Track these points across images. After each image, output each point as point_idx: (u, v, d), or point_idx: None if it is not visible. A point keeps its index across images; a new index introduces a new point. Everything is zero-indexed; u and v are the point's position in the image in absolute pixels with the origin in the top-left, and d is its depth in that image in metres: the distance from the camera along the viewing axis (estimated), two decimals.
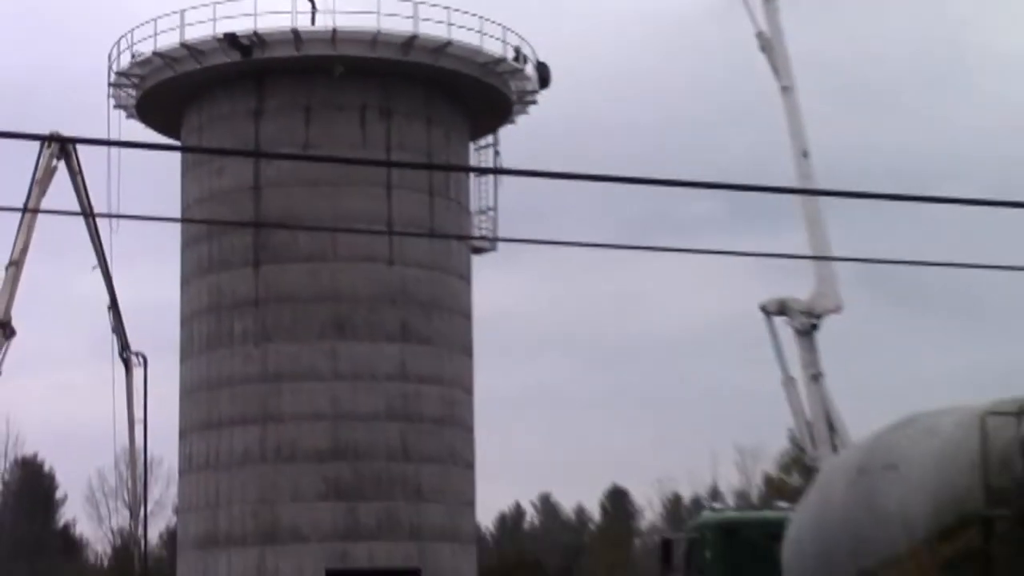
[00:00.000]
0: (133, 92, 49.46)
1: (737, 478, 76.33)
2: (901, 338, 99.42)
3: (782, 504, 24.91)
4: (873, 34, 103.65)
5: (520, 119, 52.46)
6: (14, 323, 44.05)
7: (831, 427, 44.32)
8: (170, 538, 59.79)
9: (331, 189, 45.94)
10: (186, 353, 49.65)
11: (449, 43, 47.58)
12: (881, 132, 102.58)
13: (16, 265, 44.00)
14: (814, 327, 44.56)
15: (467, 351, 50.50)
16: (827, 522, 18.20)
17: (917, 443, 16.49)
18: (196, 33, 47.36)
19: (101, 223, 45.06)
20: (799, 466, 56.30)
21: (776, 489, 63.66)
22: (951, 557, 15.48)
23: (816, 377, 44.57)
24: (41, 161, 43.46)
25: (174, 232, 51.05)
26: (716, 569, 21.28)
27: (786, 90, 44.09)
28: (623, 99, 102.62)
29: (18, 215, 42.57)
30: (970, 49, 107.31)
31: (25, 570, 71.08)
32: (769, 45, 44.26)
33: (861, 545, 16.93)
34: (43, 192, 43.44)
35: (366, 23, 46.94)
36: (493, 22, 49.06)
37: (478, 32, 48.46)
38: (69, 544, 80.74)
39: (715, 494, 76.07)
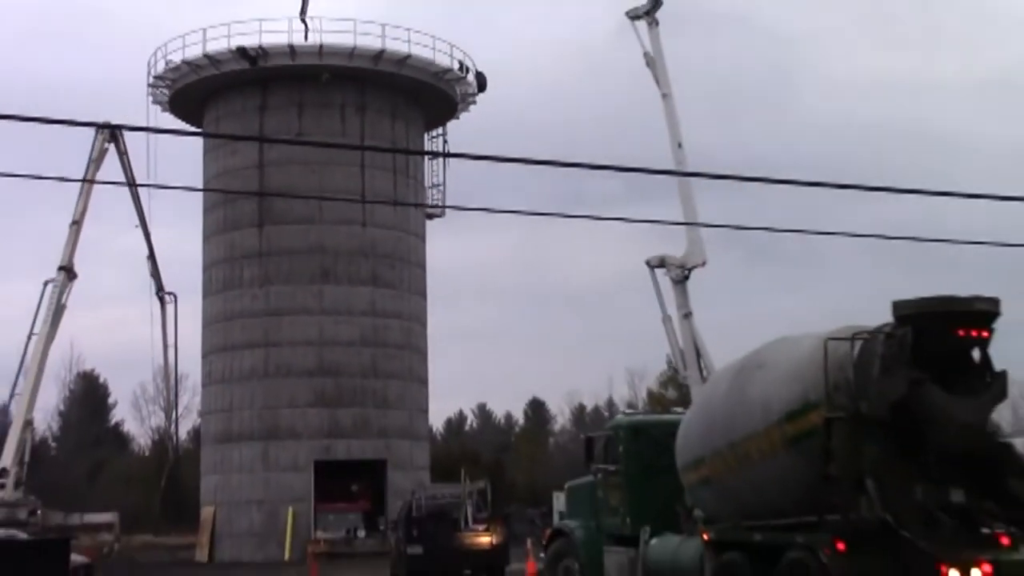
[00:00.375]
0: (166, 91, 49.60)
1: (627, 392, 77.04)
2: (753, 286, 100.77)
3: (678, 410, 24.87)
4: (728, 53, 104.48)
5: (463, 116, 52.74)
6: (76, 268, 44.74)
7: (698, 353, 45.32)
8: (195, 435, 60.29)
9: (318, 167, 46.27)
10: (207, 293, 50.07)
11: (409, 56, 47.89)
12: (736, 129, 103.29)
13: (77, 224, 44.47)
14: (686, 277, 45.36)
15: (422, 294, 51.04)
16: (710, 409, 18.04)
17: (780, 353, 16.26)
18: (215, 46, 47.71)
19: (141, 192, 45.82)
20: (674, 383, 57.19)
21: (656, 401, 64.13)
22: (794, 434, 15.32)
23: (687, 315, 45.48)
24: (96, 143, 44.00)
25: (197, 200, 51.38)
26: (626, 459, 20.13)
27: (665, 96, 44.72)
28: (543, 102, 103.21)
29: (77, 186, 43.45)
30: (798, 70, 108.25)
31: (84, 460, 71.46)
32: (652, 61, 44.88)
33: (732, 424, 16.66)
34: (97, 168, 43.93)
35: (346, 40, 47.19)
36: (443, 40, 49.56)
37: (431, 48, 48.82)
38: (119, 439, 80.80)
39: (610, 404, 76.56)
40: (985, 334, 14.69)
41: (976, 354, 14.87)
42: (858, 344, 15.08)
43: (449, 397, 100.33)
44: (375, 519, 46.03)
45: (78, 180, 41.74)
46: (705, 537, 17.19)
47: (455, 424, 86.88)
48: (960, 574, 13.91)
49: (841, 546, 14.29)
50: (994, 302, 14.69)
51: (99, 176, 43.28)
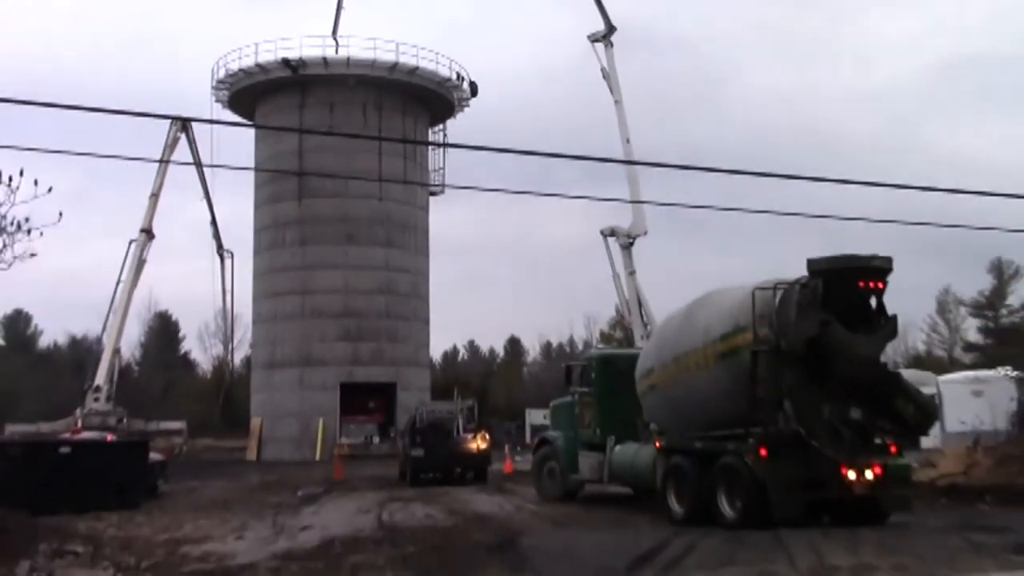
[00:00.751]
0: (226, 92, 49.47)
1: (584, 333, 77.53)
2: (685, 252, 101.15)
3: (639, 346, 24.79)
4: (669, 68, 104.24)
5: (459, 115, 52.62)
6: (154, 231, 44.93)
7: (640, 303, 45.92)
8: (247, 362, 60.55)
9: (345, 153, 45.99)
10: (256, 251, 50.09)
11: (418, 68, 48.03)
12: (675, 128, 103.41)
13: (155, 196, 44.57)
14: (631, 244, 45.81)
15: (425, 253, 51.12)
16: (663, 335, 18.14)
17: (720, 296, 16.26)
18: (265, 57, 47.76)
19: (205, 171, 45.83)
20: (621, 326, 57.63)
21: (606, 340, 64.53)
22: (724, 351, 15.47)
23: (632, 274, 45.95)
24: (171, 133, 44.08)
25: (250, 178, 51.27)
26: (597, 383, 20.30)
27: (617, 103, 45.05)
28: (522, 106, 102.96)
29: (155, 166, 43.49)
30: (726, 81, 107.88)
31: (160, 380, 71.72)
32: (607, 75, 45.25)
33: (678, 343, 16.78)
34: (171, 152, 43.96)
35: (368, 54, 47.25)
36: (445, 56, 49.62)
37: (435, 62, 48.92)
38: (187, 364, 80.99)
39: (571, 342, 77.13)
40: (881, 285, 14.83)
41: (873, 301, 15.00)
42: (779, 292, 15.17)
43: (446, 334, 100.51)
44: (387, 429, 46.48)
45: (156, 160, 41.80)
46: (658, 445, 17.35)
47: (450, 356, 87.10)
48: (857, 475, 14.28)
49: (763, 452, 14.53)
50: (888, 260, 14.76)
51: (174, 159, 43.44)
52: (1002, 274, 71.34)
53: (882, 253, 14.87)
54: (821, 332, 14.41)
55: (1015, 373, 26.74)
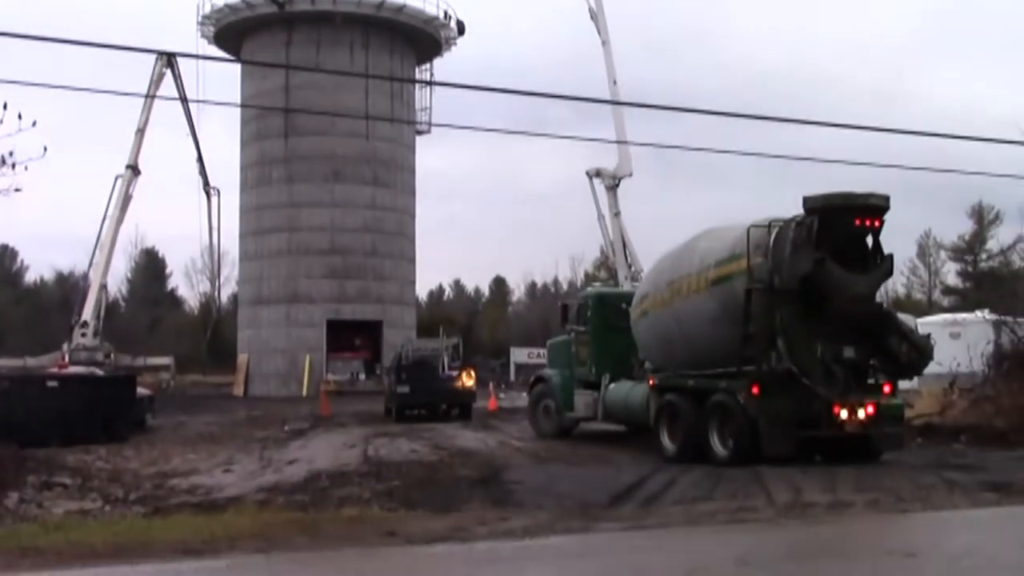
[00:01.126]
0: (212, 28, 48.60)
1: (569, 273, 77.68)
2: (672, 193, 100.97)
3: (635, 284, 24.61)
4: (659, 9, 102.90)
5: (446, 54, 52.01)
6: (140, 166, 44.51)
7: (624, 244, 45.87)
8: (234, 298, 60.38)
9: (331, 91, 45.24)
10: (243, 188, 49.74)
11: (404, 5, 47.36)
12: (664, 69, 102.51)
13: (141, 132, 44.19)
14: (616, 185, 45.70)
15: (412, 192, 50.85)
16: (660, 266, 17.95)
17: (722, 230, 16.02)
18: None
19: (191, 107, 45.34)
20: (605, 267, 57.76)
21: (591, 280, 64.73)
22: (717, 276, 15.38)
23: (617, 215, 45.82)
24: (156, 68, 43.50)
25: (236, 115, 50.79)
26: (593, 322, 20.13)
27: (605, 43, 44.49)
28: (509, 46, 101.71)
29: (141, 102, 42.97)
30: (717, 25, 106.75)
31: (147, 315, 71.63)
32: (595, 16, 44.71)
33: (674, 270, 16.70)
34: (157, 87, 43.42)
35: None
36: None
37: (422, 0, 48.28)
38: (174, 300, 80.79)
39: (556, 282, 77.37)
40: (877, 223, 14.54)
41: (869, 240, 14.73)
42: (775, 229, 14.89)
43: (431, 273, 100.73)
44: (373, 365, 46.76)
45: (142, 96, 41.33)
46: (651, 383, 17.26)
47: (436, 294, 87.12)
48: (849, 413, 14.14)
49: (756, 390, 14.36)
50: (885, 198, 14.51)
51: (160, 94, 42.84)
52: (982, 219, 71.63)
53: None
54: (815, 270, 14.19)
55: (992, 316, 26.92)
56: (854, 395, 14.22)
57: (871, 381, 14.91)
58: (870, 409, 14.27)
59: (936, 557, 8.49)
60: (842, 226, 14.39)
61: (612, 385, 19.25)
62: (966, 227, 72.45)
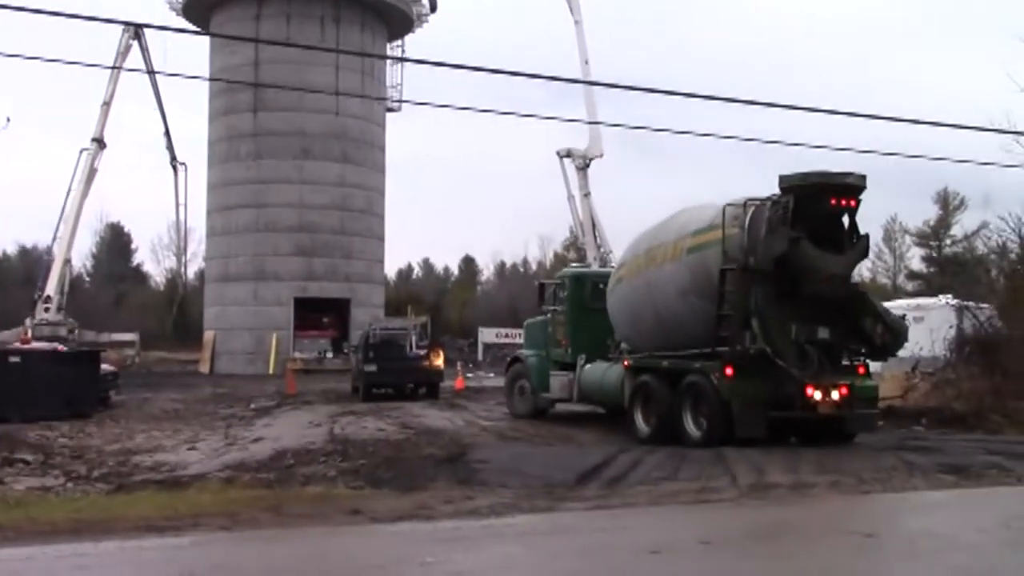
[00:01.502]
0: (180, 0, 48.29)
1: (539, 253, 77.93)
2: (640, 175, 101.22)
3: (612, 265, 24.53)
4: None
5: (418, 31, 51.70)
6: (106, 140, 43.93)
7: (593, 224, 46.08)
8: (200, 275, 59.92)
9: (301, 66, 44.52)
10: (210, 164, 49.09)
11: None
12: (637, 50, 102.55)
13: (107, 104, 43.62)
14: (587, 165, 45.80)
15: (381, 170, 50.45)
16: (640, 235, 17.72)
17: (702, 207, 15.96)
18: None
19: (158, 80, 44.88)
20: (575, 247, 57.96)
21: (560, 261, 65.00)
22: (693, 245, 15.29)
23: (587, 195, 45.99)
24: (123, 39, 42.96)
25: (204, 89, 50.21)
26: (569, 302, 19.98)
27: (577, 23, 44.57)
28: (480, 24, 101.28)
29: (108, 75, 42.39)
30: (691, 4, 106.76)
31: (112, 291, 70.96)
32: None
33: (652, 239, 16.65)
34: (124, 59, 42.91)
35: None
36: None
37: None
38: (139, 276, 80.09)
39: (525, 262, 77.63)
40: (853, 203, 14.40)
41: (846, 220, 14.61)
42: (751, 209, 14.73)
43: (400, 252, 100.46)
44: (340, 344, 46.45)
45: (109, 67, 40.80)
46: (626, 364, 17.18)
47: (404, 273, 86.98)
48: (823, 395, 14.07)
49: (729, 371, 14.28)
50: (862, 177, 14.32)
51: (126, 67, 42.34)
52: (947, 205, 72.42)
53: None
54: (791, 250, 14.07)
55: (955, 301, 27.25)
56: (828, 376, 14.17)
57: (846, 363, 14.90)
58: (843, 391, 14.23)
59: (895, 537, 8.62)
60: (818, 206, 14.23)
61: (587, 366, 19.11)
62: (932, 213, 73.25)
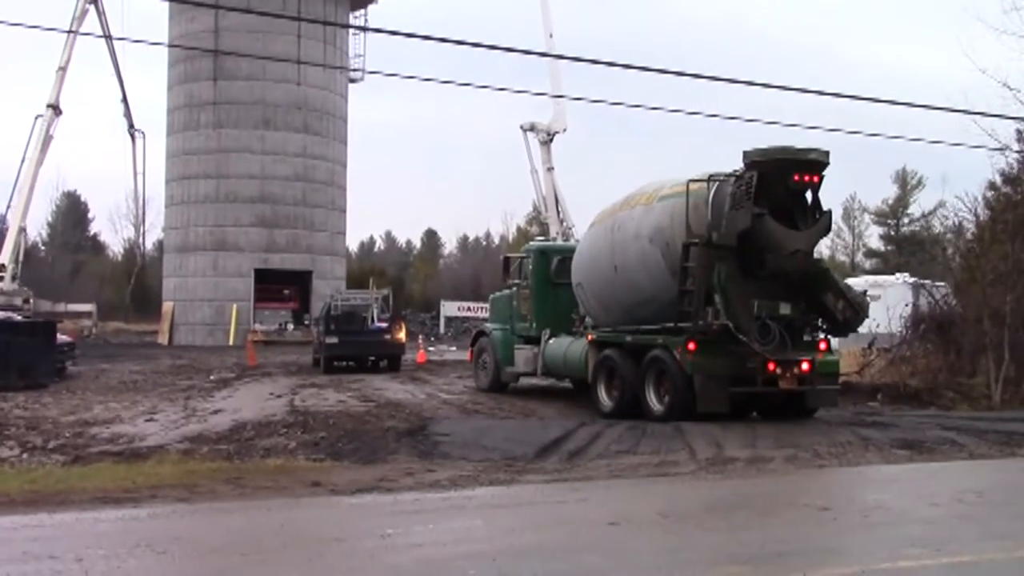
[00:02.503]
0: None
1: (501, 227, 78.09)
2: (606, 149, 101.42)
3: (576, 240, 24.35)
4: None
5: (381, 1, 51.14)
6: (61, 106, 43.20)
7: (556, 199, 46.21)
8: (159, 245, 59.27)
9: (263, 35, 44.22)
10: (169, 132, 48.31)
11: None
12: (601, 24, 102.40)
13: (63, 70, 42.81)
14: (550, 140, 45.86)
15: (344, 142, 50.00)
16: (604, 210, 17.50)
17: (669, 180, 15.69)
18: None
19: (116, 46, 44.16)
20: (537, 222, 57.96)
21: (523, 235, 65.10)
22: (662, 195, 15.20)
23: (550, 170, 46.08)
24: (79, 3, 42.24)
25: (163, 56, 49.61)
26: (534, 276, 19.79)
27: None
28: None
29: (63, 39, 41.64)
30: None
31: (68, 261, 70.05)
32: None
33: (618, 201, 16.64)
34: (80, 23, 42.16)
35: None
36: None
37: None
38: (96, 246, 79.16)
39: (488, 236, 77.80)
40: (816, 179, 14.34)
41: (809, 195, 14.55)
42: (714, 185, 14.62)
43: (363, 224, 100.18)
44: (301, 316, 46.45)
45: (65, 31, 39.98)
46: (590, 338, 17.13)
47: (366, 246, 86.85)
48: (784, 371, 14.13)
49: (692, 346, 14.24)
50: (825, 153, 14.25)
51: (82, 31, 41.58)
52: (906, 184, 73.30)
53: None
54: (754, 225, 13.97)
55: (912, 279, 27.64)
56: (789, 352, 14.19)
57: (808, 338, 14.97)
58: (805, 366, 14.29)
59: (849, 511, 8.77)
60: (781, 181, 14.17)
61: (552, 340, 19.06)
62: (890, 192, 74.12)
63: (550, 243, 23.30)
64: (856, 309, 14.94)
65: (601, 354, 16.55)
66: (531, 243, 23.56)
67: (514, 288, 20.81)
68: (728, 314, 13.97)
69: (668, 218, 15.07)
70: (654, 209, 15.52)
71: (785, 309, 14.38)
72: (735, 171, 14.53)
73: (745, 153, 14.34)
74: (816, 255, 15.92)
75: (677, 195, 15.04)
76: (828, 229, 15.03)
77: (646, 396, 15.22)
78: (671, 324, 14.86)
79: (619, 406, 15.76)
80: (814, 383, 14.51)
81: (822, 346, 15.00)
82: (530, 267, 20.19)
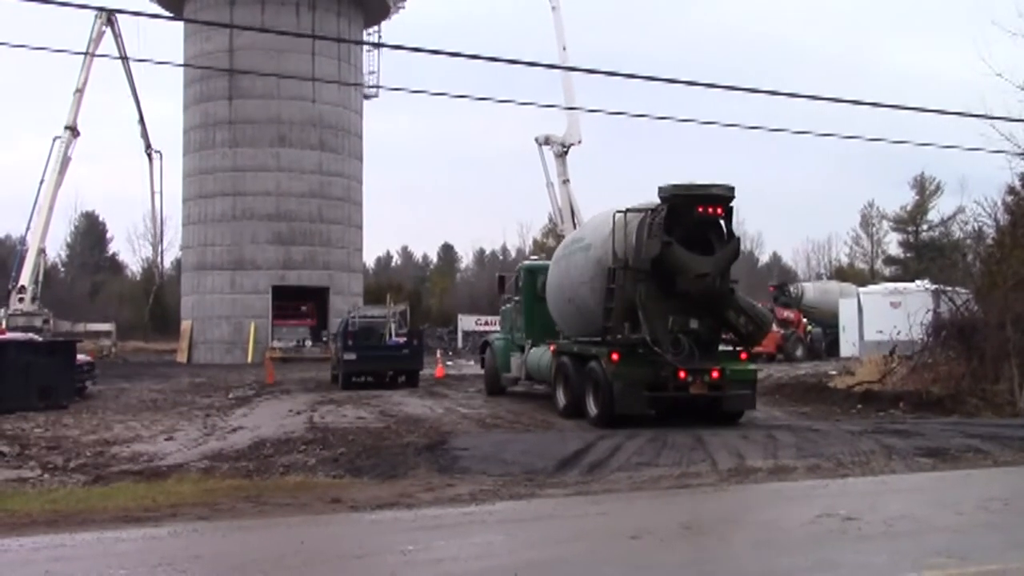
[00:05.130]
0: None
1: (517, 241, 78.02)
2: (622, 161, 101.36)
3: None
4: None
5: (395, 17, 51.48)
6: (79, 128, 43.55)
7: (572, 211, 46.14)
8: (177, 264, 59.53)
9: (278, 53, 44.48)
10: (186, 151, 48.68)
11: None
12: (629, 38, 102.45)
13: (80, 92, 43.22)
14: (565, 152, 45.91)
15: (359, 158, 50.20)
16: (569, 240, 20.57)
17: (607, 213, 17.42)
18: None
19: (132, 67, 44.54)
20: (553, 234, 57.93)
21: (539, 247, 64.97)
22: (594, 244, 17.50)
23: (565, 182, 46.10)
24: (96, 25, 42.60)
25: (179, 76, 50.03)
26: (524, 292, 22.25)
27: (555, 9, 44.55)
28: (458, 10, 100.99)
29: (80, 59, 41.99)
30: None
31: (87, 281, 70.47)
32: None
33: (576, 235, 19.90)
34: (96, 45, 42.56)
35: None
36: None
37: None
38: (115, 266, 79.59)
39: (504, 250, 77.66)
40: (720, 211, 15.96)
41: (724, 223, 16.14)
42: (636, 216, 16.47)
43: (379, 240, 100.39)
44: (319, 332, 46.52)
45: (82, 53, 40.43)
46: (552, 347, 19.46)
47: (383, 261, 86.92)
48: (694, 378, 15.79)
49: (615, 357, 16.06)
50: (728, 188, 15.93)
51: (100, 53, 41.97)
52: (924, 190, 72.96)
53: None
54: (663, 252, 15.71)
55: (932, 286, 27.46)
56: (697, 362, 15.87)
57: (728, 349, 16.76)
58: (714, 374, 15.95)
59: (873, 520, 8.68)
60: (687, 213, 15.87)
61: (533, 349, 21.35)
62: (908, 198, 73.77)
63: (538, 262, 24.74)
64: (757, 324, 16.66)
65: (558, 361, 18.81)
66: (523, 262, 25.51)
67: (509, 303, 23.67)
68: (648, 329, 15.83)
69: (602, 245, 17.16)
70: (597, 237, 17.60)
71: (694, 324, 16.25)
72: (653, 203, 16.36)
73: (659, 188, 16.20)
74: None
75: (612, 225, 17.05)
76: (736, 254, 16.56)
77: (586, 399, 17.03)
78: (600, 338, 16.89)
79: (569, 405, 17.99)
80: (724, 389, 16.12)
81: (743, 356, 16.69)
82: (520, 284, 22.63)
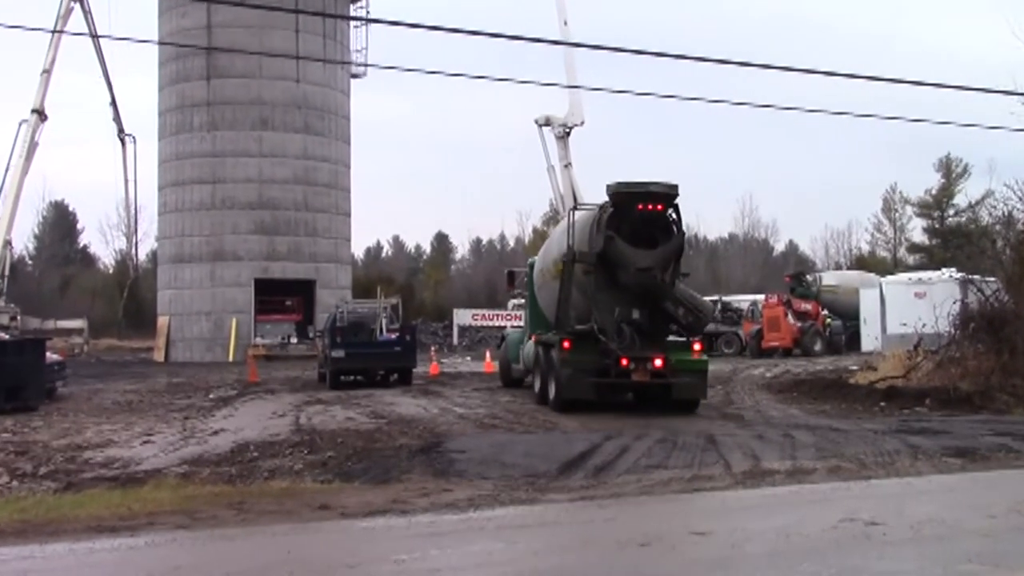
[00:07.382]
0: None
1: (516, 229, 78.06)
2: (627, 141, 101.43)
3: None
4: None
5: None
6: (47, 111, 43.51)
7: (575, 197, 45.98)
8: (153, 256, 59.51)
9: (259, 29, 44.51)
10: (161, 136, 48.77)
11: None
12: (651, 13, 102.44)
13: (47, 72, 43.28)
14: (567, 134, 45.88)
15: (347, 141, 50.29)
16: (547, 242, 23.28)
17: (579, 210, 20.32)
18: None
19: (103, 46, 44.48)
20: (555, 222, 57.96)
21: (540, 237, 64.94)
22: (558, 242, 20.01)
23: (567, 166, 46.12)
24: (64, 1, 42.61)
25: (153, 55, 49.98)
26: (528, 287, 23.92)
27: None
28: None
29: (47, 38, 41.93)
30: None
31: (57, 275, 70.43)
32: None
33: (552, 235, 21.93)
34: (65, 23, 42.56)
35: None
36: None
37: None
38: (86, 258, 79.60)
39: (502, 238, 77.72)
40: (660, 208, 17.96)
41: (672, 216, 18.09)
42: (586, 213, 18.69)
43: (369, 229, 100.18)
44: (305, 328, 46.54)
45: (49, 31, 40.37)
46: (531, 337, 22.03)
47: (373, 252, 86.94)
48: (636, 365, 17.77)
49: (566, 344, 18.21)
50: (669, 186, 17.94)
51: (67, 30, 41.92)
52: (950, 172, 72.86)
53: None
54: (607, 247, 17.71)
55: (959, 274, 27.44)
56: (639, 350, 17.79)
57: (677, 339, 18.63)
58: (657, 362, 17.83)
59: (900, 524, 8.67)
60: (630, 211, 17.86)
61: (529, 341, 23.02)
62: (933, 181, 73.65)
63: None
64: (697, 315, 18.61)
65: (536, 349, 20.98)
66: (531, 259, 25.82)
67: (518, 297, 27.07)
68: (597, 319, 17.84)
69: (560, 240, 19.53)
70: (559, 232, 20.14)
71: (636, 315, 18.19)
72: (604, 202, 18.20)
73: (607, 186, 18.00)
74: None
75: (568, 220, 19.50)
76: (680, 249, 18.41)
77: (548, 385, 19.21)
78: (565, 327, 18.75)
79: (540, 391, 20.11)
80: (668, 376, 17.93)
81: (697, 345, 18.56)
82: (526, 278, 24.58)
